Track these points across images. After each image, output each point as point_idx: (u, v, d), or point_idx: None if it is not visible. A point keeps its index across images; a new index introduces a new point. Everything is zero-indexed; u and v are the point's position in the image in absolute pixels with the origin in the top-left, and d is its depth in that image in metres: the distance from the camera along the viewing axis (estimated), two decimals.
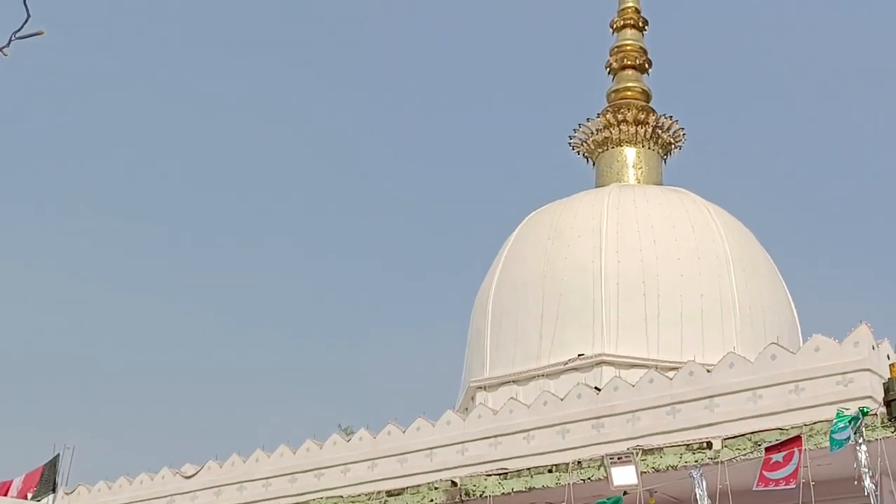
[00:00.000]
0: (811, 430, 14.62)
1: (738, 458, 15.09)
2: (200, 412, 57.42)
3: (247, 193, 64.68)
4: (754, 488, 13.96)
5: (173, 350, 59.45)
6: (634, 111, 29.75)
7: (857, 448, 13.30)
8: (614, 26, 30.85)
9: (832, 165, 65.69)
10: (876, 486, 13.58)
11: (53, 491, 24.15)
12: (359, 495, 18.65)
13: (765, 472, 13.89)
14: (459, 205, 66.92)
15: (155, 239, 61.79)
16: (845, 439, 13.31)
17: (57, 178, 60.84)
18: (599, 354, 24.05)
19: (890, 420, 13.75)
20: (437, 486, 17.70)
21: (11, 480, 24.67)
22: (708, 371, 18.93)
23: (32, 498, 23.91)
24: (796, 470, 13.63)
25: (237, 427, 53.82)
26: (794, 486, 13.67)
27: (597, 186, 29.53)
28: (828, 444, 14.11)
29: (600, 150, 30.10)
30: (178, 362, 59.43)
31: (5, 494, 24.14)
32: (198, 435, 54.27)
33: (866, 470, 13.13)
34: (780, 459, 13.88)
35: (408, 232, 65.56)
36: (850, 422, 13.37)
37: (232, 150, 64.50)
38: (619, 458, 15.47)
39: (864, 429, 13.42)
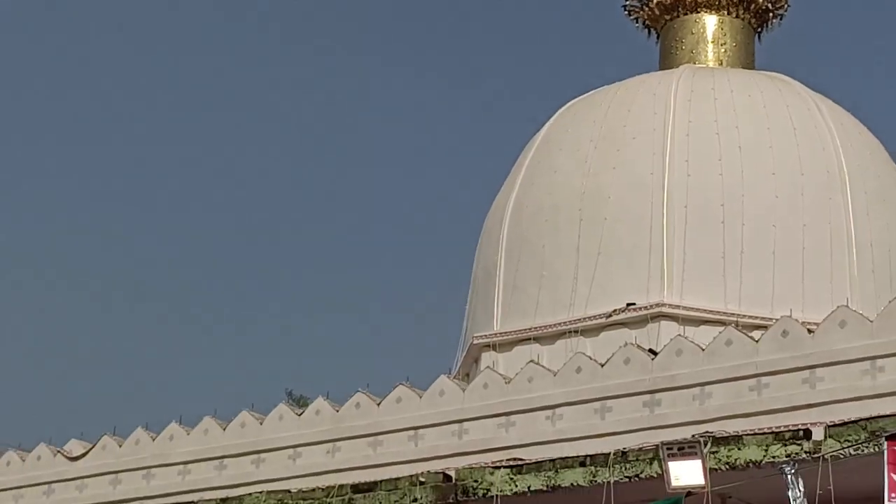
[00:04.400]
0: None
1: (847, 453, 15.22)
2: (94, 369, 57.70)
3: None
4: (887, 501, 14.06)
5: (60, 287, 59.58)
6: None
7: None
8: None
9: None
10: None
11: None
12: (313, 490, 18.80)
13: (894, 475, 14.00)
14: (465, 93, 66.70)
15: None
16: None
17: None
18: (657, 305, 24.16)
19: None
20: (423, 479, 17.93)
21: None
22: (809, 332, 18.96)
23: None
24: None
25: (145, 392, 54.08)
26: None
27: (661, 69, 29.48)
28: None
29: (667, 18, 30.02)
30: (65, 303, 59.56)
31: None
32: (90, 401, 54.55)
33: None
34: None
35: (389, 128, 65.42)
36: None
37: None
38: (679, 449, 15.57)
39: None
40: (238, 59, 65.85)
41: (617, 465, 16.61)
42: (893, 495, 14.06)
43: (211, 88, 64.94)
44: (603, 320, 24.43)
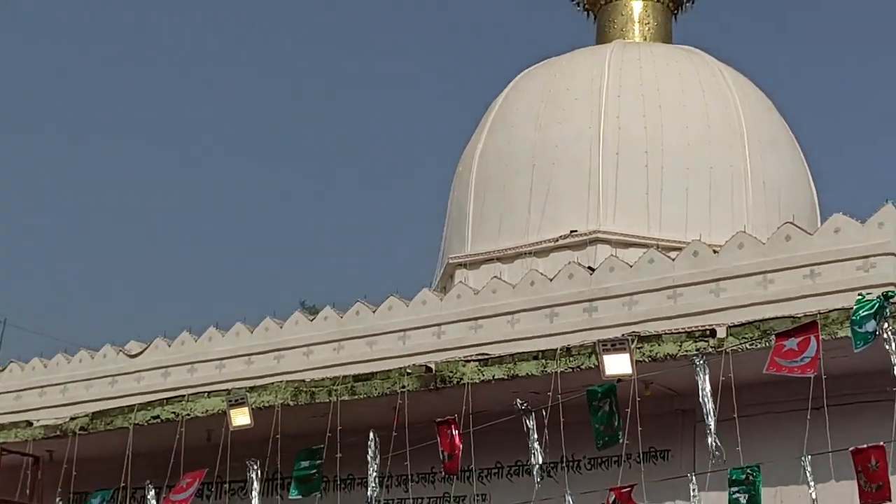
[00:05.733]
0: (826, 318, 14.64)
1: (744, 348, 15.24)
2: (148, 284, 57.63)
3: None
4: (765, 371, 14.12)
5: (118, 215, 59.26)
6: None
7: (886, 335, 13.28)
8: None
9: (872, 31, 64.92)
10: None
11: None
12: (322, 380, 18.74)
13: (776, 358, 14.00)
14: (440, 63, 66.31)
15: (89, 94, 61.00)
16: (871, 332, 13.27)
17: None
18: (594, 231, 24.18)
19: None
20: (409, 371, 17.79)
21: None
22: (714, 252, 19.08)
23: None
24: (814, 358, 13.72)
25: (188, 302, 54.10)
26: (812, 375, 13.79)
27: (597, 44, 29.33)
28: (843, 334, 14.15)
29: (602, 3, 29.88)
30: (123, 229, 59.30)
31: None
32: (145, 310, 54.54)
33: None
34: (795, 347, 13.95)
35: (382, 91, 65.02)
36: (873, 309, 13.34)
37: None
38: (612, 346, 15.52)
39: (890, 317, 13.37)
40: None
41: (563, 359, 16.56)
42: (771, 369, 14.12)
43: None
44: (551, 244, 24.46)
